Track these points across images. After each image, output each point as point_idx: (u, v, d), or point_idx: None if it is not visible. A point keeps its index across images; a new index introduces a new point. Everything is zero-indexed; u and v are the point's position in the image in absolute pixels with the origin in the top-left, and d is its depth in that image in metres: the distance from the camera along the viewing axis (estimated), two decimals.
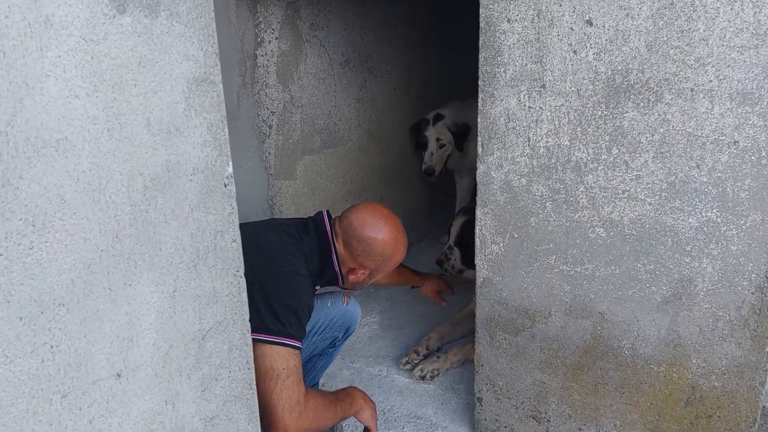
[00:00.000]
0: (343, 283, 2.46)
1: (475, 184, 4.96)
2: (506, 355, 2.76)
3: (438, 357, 3.32)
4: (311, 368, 2.82)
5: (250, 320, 2.05)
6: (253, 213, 3.21)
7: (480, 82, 2.47)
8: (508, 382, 2.79)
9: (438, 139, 4.31)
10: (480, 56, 2.44)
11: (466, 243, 3.46)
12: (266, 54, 3.14)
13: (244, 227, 2.42)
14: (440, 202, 4.99)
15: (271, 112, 3.20)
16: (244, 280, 1.63)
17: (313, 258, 2.33)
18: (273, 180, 3.25)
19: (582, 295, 2.49)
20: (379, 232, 2.37)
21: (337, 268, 2.38)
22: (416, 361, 3.45)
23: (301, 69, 3.32)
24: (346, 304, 2.74)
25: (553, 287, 2.54)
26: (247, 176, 3.22)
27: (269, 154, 3.23)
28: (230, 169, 1.43)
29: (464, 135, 4.33)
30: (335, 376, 3.32)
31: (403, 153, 4.32)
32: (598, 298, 2.47)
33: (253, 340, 2.06)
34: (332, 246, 2.36)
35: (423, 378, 3.26)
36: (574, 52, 2.26)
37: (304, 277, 2.20)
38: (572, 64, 2.27)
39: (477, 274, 2.72)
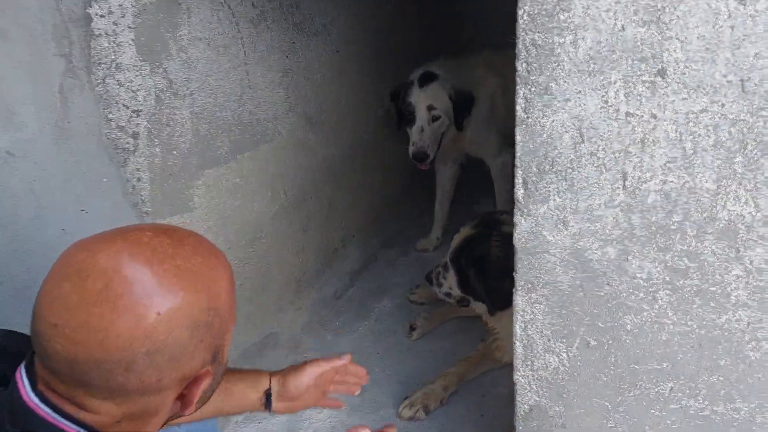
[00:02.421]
0: None
1: (460, 173, 3.71)
2: None
3: None
4: None
5: None
6: None
7: (519, 66, 1.23)
8: None
9: (430, 108, 2.97)
10: (518, 11, 1.20)
11: (465, 266, 2.38)
12: (110, 12, 1.81)
13: None
14: (409, 196, 3.75)
15: (133, 111, 1.91)
16: None
17: None
18: (151, 220, 2.01)
19: None
20: (140, 315, 0.93)
21: None
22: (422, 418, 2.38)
23: (182, 33, 2.01)
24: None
25: None
26: (101, 225, 1.93)
27: (139, 180, 1.96)
28: None
29: (467, 107, 3.03)
30: None
31: (355, 139, 3.06)
32: None
33: None
34: None
35: None
36: None
37: None
38: (734, 26, 1.05)
39: (518, 397, 1.57)
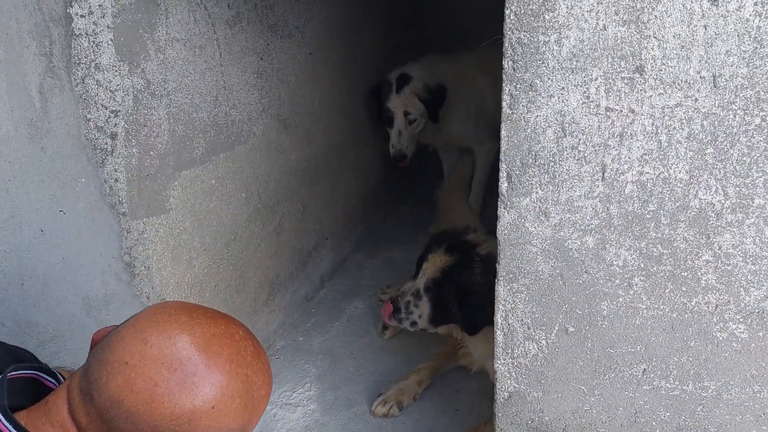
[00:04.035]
0: None
1: (468, 160, 3.59)
2: None
3: None
4: None
5: None
6: (94, 295, 1.93)
7: (505, 63, 1.29)
8: None
9: (406, 113, 3.18)
10: (505, 11, 1.26)
11: (445, 297, 2.26)
12: (90, 12, 1.80)
13: None
14: (377, 200, 3.80)
15: (111, 111, 1.90)
16: None
17: None
18: (128, 221, 1.98)
19: (693, 427, 1.47)
20: (199, 400, 0.98)
21: None
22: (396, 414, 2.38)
23: (160, 34, 2.00)
24: None
25: (640, 412, 1.49)
26: (78, 226, 1.92)
27: (116, 181, 1.95)
28: None
29: (439, 101, 3.18)
30: None
31: (328, 141, 3.09)
32: None
33: None
34: None
35: None
36: None
37: None
38: (707, 25, 1.14)
39: (498, 385, 1.62)
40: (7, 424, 0.97)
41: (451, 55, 3.36)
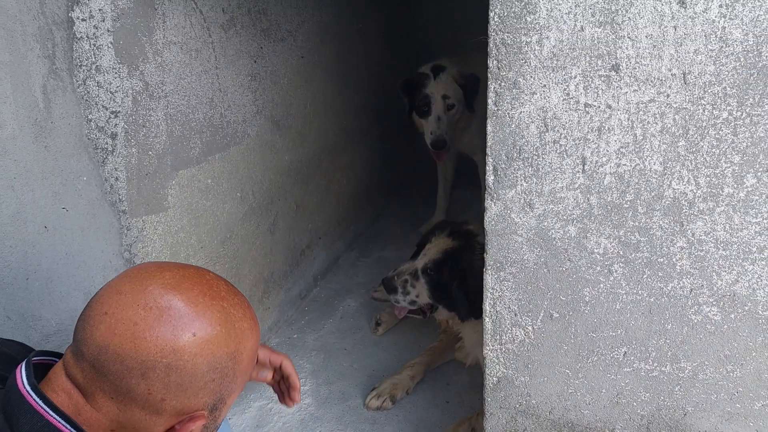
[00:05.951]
0: None
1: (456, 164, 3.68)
2: None
3: None
4: None
5: None
6: (96, 290, 2.00)
7: (490, 63, 1.37)
8: None
9: (445, 97, 3.14)
10: (489, 14, 1.34)
11: (444, 278, 2.37)
12: (91, 16, 1.87)
13: None
14: (369, 200, 3.87)
15: (111, 112, 1.96)
16: None
17: None
18: (128, 219, 2.04)
19: (671, 406, 1.53)
20: (179, 329, 1.04)
21: None
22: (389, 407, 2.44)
23: (158, 38, 2.07)
24: None
25: (622, 394, 1.56)
26: (80, 223, 1.98)
27: (116, 179, 2.01)
28: None
29: (474, 88, 3.15)
30: None
31: (320, 142, 3.16)
32: (699, 412, 1.52)
33: None
34: None
35: None
36: (682, 1, 1.20)
37: None
38: (676, 26, 1.22)
39: (487, 370, 1.69)
40: (40, 402, 1.03)
41: (460, 56, 3.34)
